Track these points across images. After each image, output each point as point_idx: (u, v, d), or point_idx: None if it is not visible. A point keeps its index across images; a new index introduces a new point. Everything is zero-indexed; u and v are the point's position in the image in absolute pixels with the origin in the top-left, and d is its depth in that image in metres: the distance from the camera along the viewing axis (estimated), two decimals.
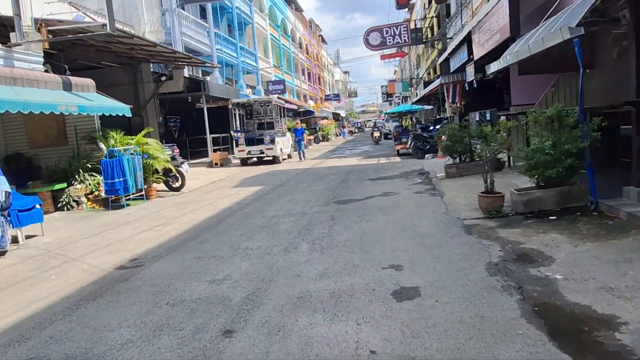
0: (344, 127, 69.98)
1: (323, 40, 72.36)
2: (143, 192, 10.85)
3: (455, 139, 10.34)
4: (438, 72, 34.60)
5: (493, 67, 9.86)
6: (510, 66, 14.07)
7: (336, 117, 67.73)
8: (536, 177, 6.07)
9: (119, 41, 14.21)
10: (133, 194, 10.48)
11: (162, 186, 12.26)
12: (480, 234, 5.45)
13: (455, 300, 3.57)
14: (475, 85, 17.08)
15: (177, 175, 12.19)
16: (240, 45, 28.57)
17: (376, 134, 31.79)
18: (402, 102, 50.46)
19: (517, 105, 14.26)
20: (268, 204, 9.09)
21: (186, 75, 20.50)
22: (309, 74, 56.58)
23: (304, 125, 32.65)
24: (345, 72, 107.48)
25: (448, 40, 26.39)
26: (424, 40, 32.07)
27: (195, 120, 22.11)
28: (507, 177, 9.18)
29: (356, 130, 71.91)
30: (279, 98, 36.16)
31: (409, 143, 17.34)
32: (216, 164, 19.93)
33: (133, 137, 11.55)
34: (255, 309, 3.76)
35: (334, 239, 5.84)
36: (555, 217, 5.76)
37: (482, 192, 6.51)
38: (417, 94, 43.05)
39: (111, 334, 3.52)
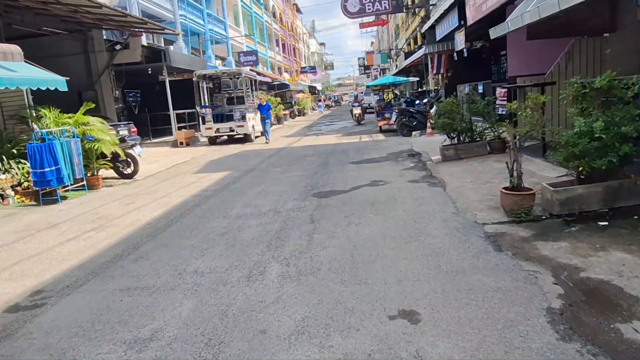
0: (319, 100, 68.04)
1: (298, 10, 69.39)
2: (84, 182, 9.08)
3: (453, 115, 8.86)
4: (420, 42, 32.93)
5: (500, 30, 8.34)
6: (510, 32, 12.63)
7: (312, 90, 65.58)
8: (579, 168, 4.63)
9: (57, 0, 12.09)
10: (71, 184, 8.71)
11: (112, 172, 10.49)
12: (514, 250, 4.01)
13: None
14: (466, 55, 15.56)
15: (129, 159, 10.41)
16: (207, 12, 26.22)
17: (356, 111, 23.06)
18: (380, 75, 48.71)
19: (514, 77, 12.86)
20: (233, 197, 7.50)
21: (145, 43, 18.36)
22: (283, 45, 54.06)
23: (270, 99, 30.66)
24: (322, 44, 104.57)
25: (431, 7, 24.69)
26: (406, 7, 30.22)
27: (159, 95, 20.03)
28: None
29: (333, 103, 70.04)
30: (251, 70, 34.12)
31: (394, 119, 15.84)
32: (181, 143, 18.06)
33: (72, 115, 9.66)
34: None
35: (315, 257, 4.33)
36: (606, 223, 4.37)
37: (505, 188, 5.05)
38: (397, 66, 41.37)
39: None
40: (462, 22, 14.78)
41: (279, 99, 33.60)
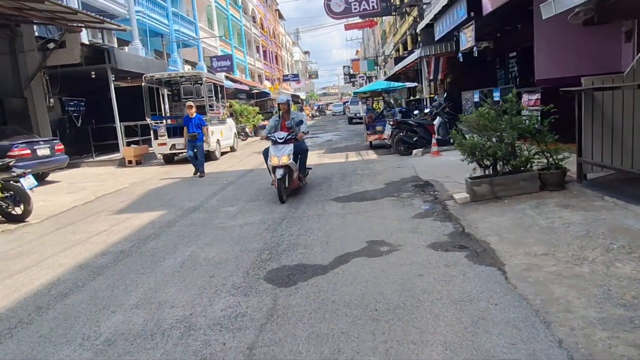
0: (302, 109, 65.20)
1: (280, 16, 66.72)
2: None
3: (488, 132, 5.93)
4: (410, 47, 30.28)
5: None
6: (541, 24, 9.81)
7: (295, 99, 62.75)
8: None
9: None
10: None
11: None
12: None
13: None
14: (476, 54, 12.74)
15: (17, 196, 7.25)
16: (173, 11, 23.15)
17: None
18: (366, 83, 46.05)
19: (544, 80, 10.07)
20: (135, 277, 4.40)
21: (86, 41, 15.21)
22: (264, 51, 51.19)
23: (247, 109, 27.44)
24: (306, 53, 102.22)
25: (425, 5, 22.01)
26: (395, 8, 27.54)
27: (111, 104, 16.87)
28: (604, 210, 4.85)
29: (317, 113, 67.30)
30: (226, 76, 31.07)
31: (388, 133, 12.91)
32: (130, 162, 14.87)
33: None
34: None
35: None
36: None
37: None
38: (385, 73, 38.72)
39: None
40: (472, 15, 11.99)
41: (257, 109, 30.56)
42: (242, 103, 32.53)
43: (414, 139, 11.58)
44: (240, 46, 39.32)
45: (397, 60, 27.63)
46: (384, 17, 43.00)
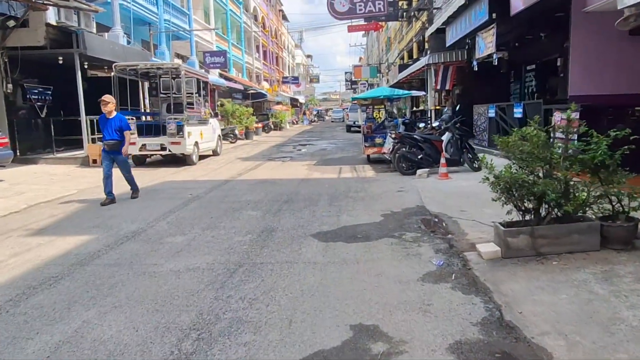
0: (304, 113, 63.58)
1: (284, 17, 65.17)
2: None
3: (535, 163, 4.22)
4: (415, 55, 28.70)
5: None
6: (575, 33, 8.21)
7: (294, 103, 61.15)
8: None
9: None
10: None
11: None
12: None
13: None
14: (496, 63, 11.07)
15: None
16: None
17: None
18: (368, 89, 44.40)
19: (578, 97, 8.41)
20: None
21: (53, 22, 13.44)
22: (264, 51, 49.55)
23: (239, 108, 25.56)
24: (308, 56, 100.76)
25: (435, 10, 20.42)
26: (403, 11, 25.94)
27: (83, 95, 15.09)
28: None
29: (315, 118, 65.68)
30: (220, 74, 29.35)
31: (388, 147, 11.23)
32: (94, 161, 13.08)
33: None
34: None
35: None
36: None
37: None
38: (387, 80, 37.13)
39: None
40: (494, 17, 10.35)
41: (251, 110, 28.85)
42: (238, 103, 30.85)
43: (419, 157, 9.89)
44: (238, 44, 37.66)
45: (402, 67, 26.01)
46: (389, 23, 41.54)
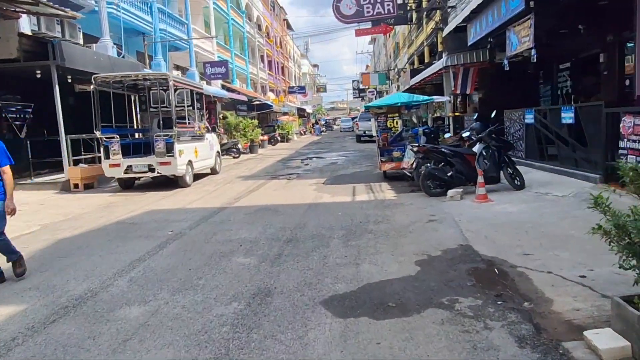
0: (316, 123, 62.17)
1: (289, 26, 64.07)
2: None
3: None
4: (427, 59, 27.09)
5: None
6: None
7: (301, 113, 59.82)
8: None
9: None
10: None
11: None
12: None
13: None
14: (534, 60, 9.42)
15: None
16: (159, 7, 20.15)
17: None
18: (376, 98, 42.86)
19: None
20: None
21: (27, 32, 12.09)
22: (269, 61, 48.32)
23: (242, 121, 23.96)
24: (315, 66, 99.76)
25: (449, 9, 18.85)
26: (411, 17, 24.45)
27: (74, 112, 13.72)
28: None
29: (324, 128, 64.22)
30: (223, 85, 27.99)
31: (408, 161, 9.63)
32: (76, 185, 11.63)
33: None
34: None
35: None
36: None
37: None
38: (398, 87, 35.56)
39: None
40: (532, 5, 8.73)
41: (256, 122, 27.45)
42: (243, 115, 29.48)
43: (448, 174, 8.24)
44: (242, 54, 36.41)
45: (414, 72, 24.43)
46: (397, 29, 40.06)
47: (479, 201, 7.34)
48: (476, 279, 4.12)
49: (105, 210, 8.82)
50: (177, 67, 24.63)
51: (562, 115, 8.23)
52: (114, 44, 16.54)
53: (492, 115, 8.57)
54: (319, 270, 4.61)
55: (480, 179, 7.50)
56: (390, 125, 14.00)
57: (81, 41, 14.86)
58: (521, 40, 9.54)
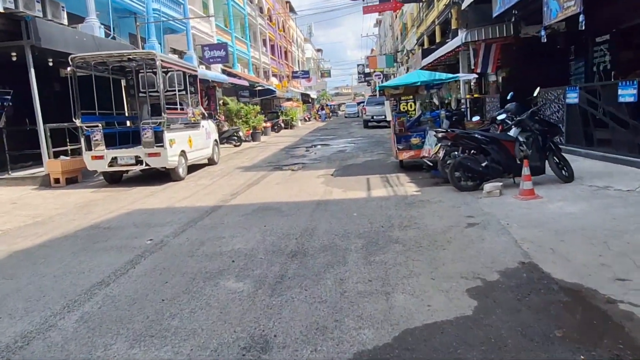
0: (322, 109, 60.70)
1: (292, 9, 62.13)
2: None
3: None
4: (438, 39, 25.52)
5: None
6: None
7: (305, 98, 58.27)
8: None
9: None
10: None
11: None
12: None
13: None
14: (583, 27, 8.01)
15: None
16: None
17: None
18: (383, 82, 41.26)
19: None
20: None
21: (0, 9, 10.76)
22: (272, 46, 46.73)
23: (244, 107, 22.60)
24: (319, 50, 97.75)
25: None
26: None
27: (58, 99, 12.45)
28: None
29: (330, 114, 62.69)
30: (223, 70, 26.60)
31: (433, 149, 8.32)
32: (57, 180, 10.44)
33: None
34: None
35: None
36: None
37: None
38: (407, 69, 33.98)
39: None
40: None
41: (258, 108, 26.13)
42: (244, 101, 28.16)
43: (483, 164, 6.95)
44: (243, 37, 34.91)
45: (426, 52, 22.91)
46: (404, 9, 38.29)
47: (525, 197, 6.05)
48: (564, 323, 2.86)
49: (82, 211, 7.61)
50: (174, 51, 23.24)
51: (620, 92, 6.87)
52: (102, 24, 15.22)
53: (535, 93, 7.23)
54: (335, 304, 3.37)
55: (525, 171, 6.19)
56: (404, 108, 12.65)
57: (65, 21, 13.48)
58: (563, 5, 8.13)
